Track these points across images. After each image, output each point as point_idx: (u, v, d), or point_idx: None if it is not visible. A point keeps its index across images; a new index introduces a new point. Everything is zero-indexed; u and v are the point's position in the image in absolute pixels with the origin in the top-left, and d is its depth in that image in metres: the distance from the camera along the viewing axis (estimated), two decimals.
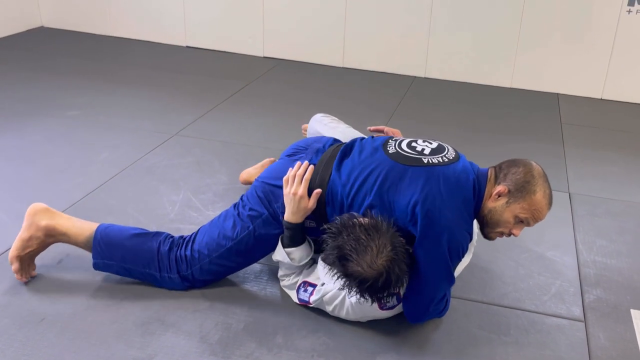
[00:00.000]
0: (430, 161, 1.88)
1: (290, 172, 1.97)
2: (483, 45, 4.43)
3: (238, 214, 2.03)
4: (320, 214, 1.97)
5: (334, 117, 2.53)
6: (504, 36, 4.36)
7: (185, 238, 2.09)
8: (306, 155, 2.07)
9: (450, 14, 4.40)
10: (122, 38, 5.04)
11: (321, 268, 1.96)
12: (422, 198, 1.79)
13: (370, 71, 4.65)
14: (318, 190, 1.94)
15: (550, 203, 1.88)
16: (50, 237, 2.06)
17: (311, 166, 1.98)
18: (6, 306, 1.97)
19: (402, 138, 2.04)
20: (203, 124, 3.51)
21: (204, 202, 2.66)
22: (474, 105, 4.14)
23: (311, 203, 1.94)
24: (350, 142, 2.07)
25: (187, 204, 2.64)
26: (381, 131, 2.40)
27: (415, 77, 4.59)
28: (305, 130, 2.79)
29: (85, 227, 2.07)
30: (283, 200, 1.96)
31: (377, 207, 1.84)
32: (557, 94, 4.40)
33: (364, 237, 1.69)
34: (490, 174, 1.92)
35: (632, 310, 2.14)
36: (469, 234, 1.86)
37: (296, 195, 1.92)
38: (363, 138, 2.10)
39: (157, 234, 2.09)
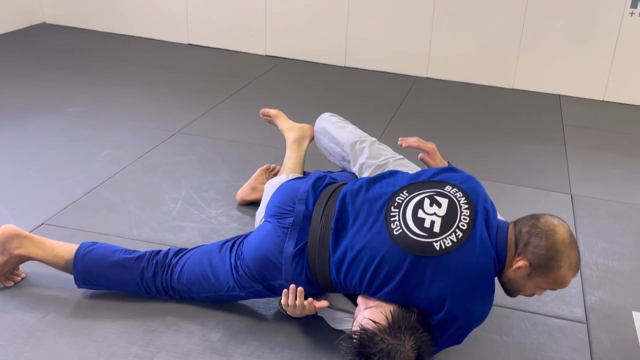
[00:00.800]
0: (443, 245, 1.66)
1: (289, 301, 1.80)
2: (485, 45, 4.43)
3: (232, 276, 1.92)
4: (331, 291, 1.89)
5: (341, 117, 2.49)
6: (506, 37, 4.36)
7: (171, 261, 1.99)
8: (293, 226, 1.86)
9: (452, 14, 4.40)
10: (124, 35, 5.04)
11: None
12: (439, 299, 1.66)
13: (372, 71, 4.65)
14: (324, 303, 1.82)
15: (576, 271, 1.71)
16: (27, 260, 2.02)
17: (310, 299, 1.80)
18: (8, 302, 1.96)
19: (407, 197, 1.78)
20: (205, 121, 3.50)
21: (205, 200, 2.66)
22: (475, 105, 4.14)
23: (317, 309, 1.84)
24: (340, 203, 1.84)
25: (189, 201, 2.64)
26: (414, 147, 2.13)
27: (418, 77, 4.59)
28: (264, 115, 2.72)
29: (60, 255, 1.98)
30: (281, 282, 1.85)
31: (392, 300, 1.72)
32: (559, 95, 4.40)
33: (387, 347, 1.58)
34: (510, 240, 1.72)
35: (634, 312, 2.14)
36: (490, 307, 1.78)
37: (302, 314, 1.84)
38: (352, 190, 1.88)
39: (139, 258, 1.98)
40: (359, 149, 2.25)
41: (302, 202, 1.91)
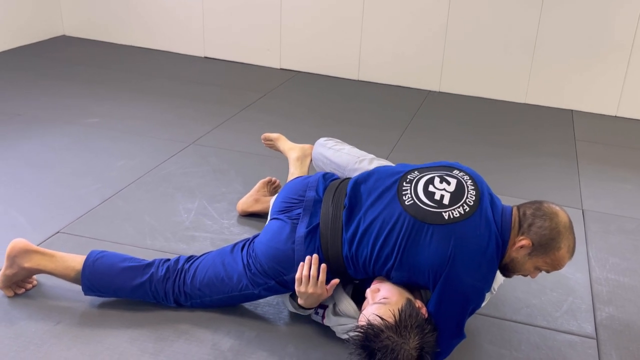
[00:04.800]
0: (452, 215, 1.77)
1: (303, 272, 1.83)
2: (498, 60, 4.44)
3: (244, 274, 1.96)
4: (340, 274, 1.91)
5: (337, 140, 2.51)
6: (519, 52, 4.38)
7: (184, 266, 2.02)
8: (304, 211, 1.94)
9: (465, 29, 4.42)
10: (141, 48, 5.12)
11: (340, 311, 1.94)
12: (442, 263, 1.73)
13: (385, 84, 4.68)
14: (335, 281, 1.85)
15: (572, 254, 1.83)
16: (36, 273, 2.05)
17: (324, 265, 1.83)
18: (21, 311, 2.00)
19: (418, 175, 1.89)
20: (220, 133, 3.55)
21: (219, 210, 2.69)
22: (488, 120, 4.15)
23: (329, 293, 1.87)
24: (352, 185, 1.94)
25: (202, 212, 2.67)
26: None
27: (430, 91, 4.61)
28: (266, 140, 2.79)
29: (71, 266, 2.00)
30: (293, 275, 1.87)
31: (398, 271, 1.80)
32: (572, 110, 4.40)
33: (392, 344, 1.61)
34: (514, 220, 1.82)
35: None
36: (488, 291, 1.82)
37: (314, 294, 1.84)
38: (363, 175, 1.99)
39: (148, 265, 2.02)
40: (362, 168, 2.30)
41: (312, 189, 2.01)
